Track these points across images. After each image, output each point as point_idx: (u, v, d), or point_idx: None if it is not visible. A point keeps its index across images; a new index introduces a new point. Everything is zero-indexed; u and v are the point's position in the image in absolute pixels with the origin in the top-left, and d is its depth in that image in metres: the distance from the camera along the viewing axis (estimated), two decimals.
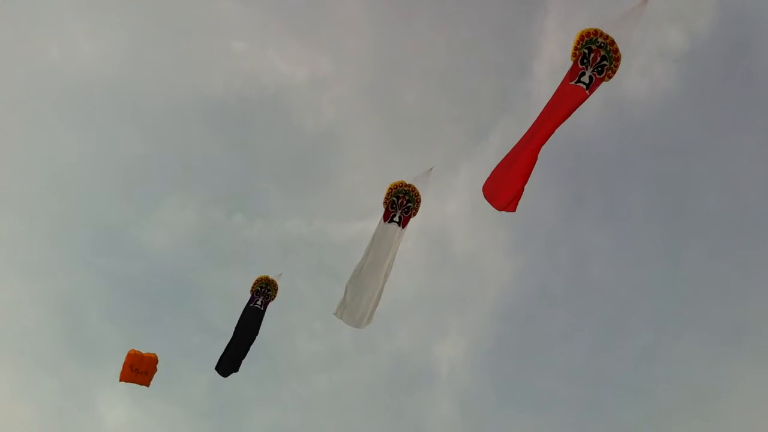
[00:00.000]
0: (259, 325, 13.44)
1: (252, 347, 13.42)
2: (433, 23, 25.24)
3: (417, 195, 11.22)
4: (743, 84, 22.77)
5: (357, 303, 11.06)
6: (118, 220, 25.12)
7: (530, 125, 8.79)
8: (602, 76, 8.54)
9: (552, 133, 8.60)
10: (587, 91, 8.53)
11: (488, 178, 8.97)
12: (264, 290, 13.63)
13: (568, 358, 23.54)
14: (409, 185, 11.21)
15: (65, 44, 24.81)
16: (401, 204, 11.22)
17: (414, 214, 11.29)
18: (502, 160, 8.94)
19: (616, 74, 8.55)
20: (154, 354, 14.33)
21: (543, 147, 8.67)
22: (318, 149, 25.68)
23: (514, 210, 8.81)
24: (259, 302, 13.52)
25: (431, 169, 10.91)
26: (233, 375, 13.39)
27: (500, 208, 8.87)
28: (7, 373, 22.63)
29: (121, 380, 14.28)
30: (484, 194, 8.94)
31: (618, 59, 8.48)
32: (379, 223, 11.18)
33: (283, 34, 26.31)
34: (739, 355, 21.67)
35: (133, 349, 14.27)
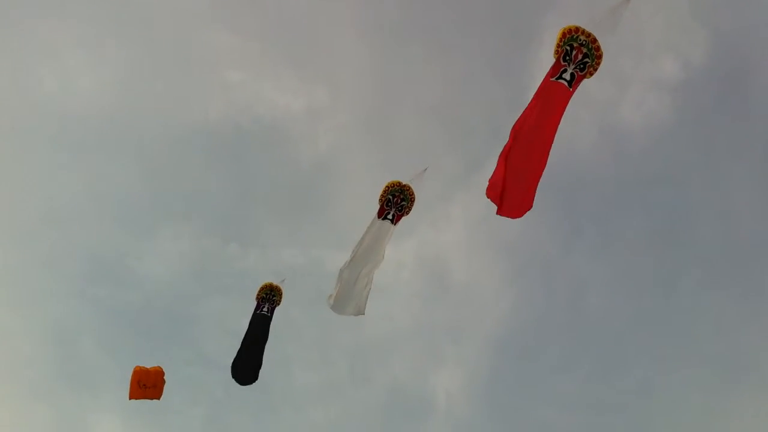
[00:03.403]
0: (268, 330, 13.66)
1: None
2: (429, 54, 25.69)
3: (411, 194, 11.60)
4: (738, 114, 23.02)
5: (348, 293, 11.47)
6: (113, 249, 25.30)
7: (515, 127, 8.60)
8: (584, 73, 8.59)
9: (554, 137, 8.58)
10: (569, 88, 8.57)
11: (492, 179, 8.71)
12: (269, 296, 13.87)
13: (566, 388, 23.37)
14: (405, 185, 11.62)
15: (62, 75, 25.27)
16: (396, 202, 11.59)
17: (407, 213, 11.67)
18: (500, 163, 8.65)
19: (597, 72, 8.60)
20: (159, 367, 14.42)
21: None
22: (314, 179, 25.96)
23: (525, 211, 8.69)
24: (265, 308, 13.76)
25: (426, 169, 11.41)
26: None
27: (513, 215, 8.73)
28: (1, 403, 22.45)
29: (131, 398, 14.27)
30: (487, 194, 8.70)
31: (600, 57, 8.53)
32: (374, 218, 11.57)
33: (279, 65, 26.81)
34: (736, 388, 21.54)
35: (138, 366, 14.36)
